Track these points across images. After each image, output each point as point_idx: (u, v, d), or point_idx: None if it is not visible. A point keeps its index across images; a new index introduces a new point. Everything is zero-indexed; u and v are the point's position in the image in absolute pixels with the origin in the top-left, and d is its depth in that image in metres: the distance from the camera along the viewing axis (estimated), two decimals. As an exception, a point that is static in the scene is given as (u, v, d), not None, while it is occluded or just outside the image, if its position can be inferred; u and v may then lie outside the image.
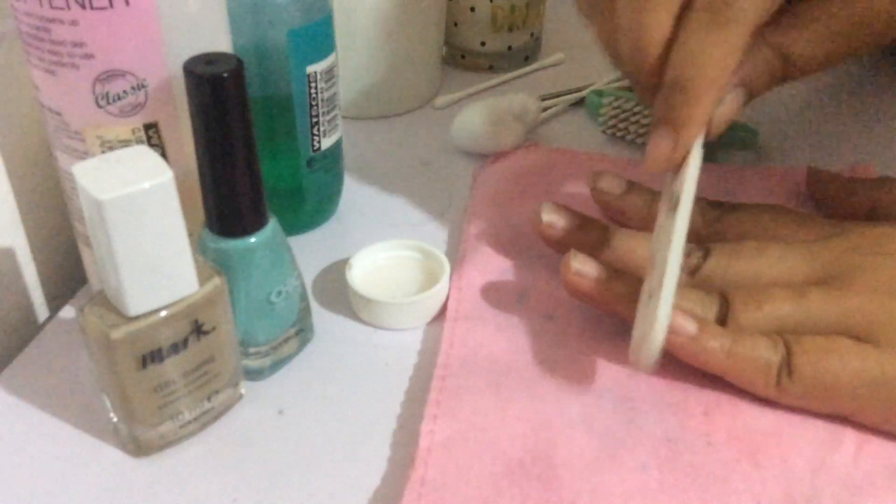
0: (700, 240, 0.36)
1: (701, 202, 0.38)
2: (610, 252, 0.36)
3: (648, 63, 0.33)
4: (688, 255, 0.34)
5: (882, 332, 0.30)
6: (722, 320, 0.32)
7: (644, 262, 0.34)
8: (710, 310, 0.32)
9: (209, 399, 0.32)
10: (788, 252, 0.34)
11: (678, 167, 0.33)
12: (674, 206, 0.32)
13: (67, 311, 0.39)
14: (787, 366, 0.30)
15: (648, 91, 0.34)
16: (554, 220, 0.37)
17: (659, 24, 0.32)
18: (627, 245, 0.36)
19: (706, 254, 0.34)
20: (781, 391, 0.31)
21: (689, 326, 0.31)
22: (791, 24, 0.35)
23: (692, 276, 0.34)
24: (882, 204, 0.38)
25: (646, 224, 0.37)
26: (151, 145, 0.32)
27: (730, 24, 0.30)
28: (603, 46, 0.36)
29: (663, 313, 0.29)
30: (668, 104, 0.32)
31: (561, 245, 0.37)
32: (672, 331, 0.30)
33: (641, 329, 0.30)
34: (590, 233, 0.37)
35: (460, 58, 0.62)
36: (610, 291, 0.33)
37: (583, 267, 0.34)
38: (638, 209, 0.39)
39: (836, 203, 0.41)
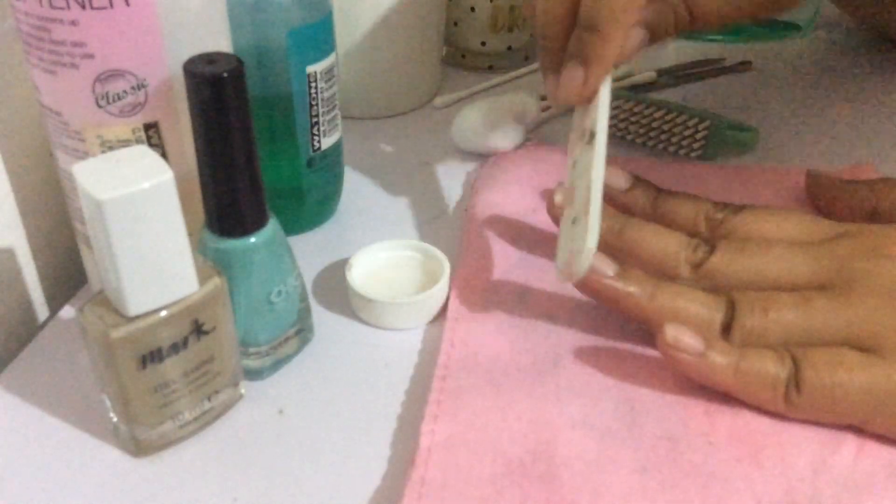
0: (707, 239, 0.36)
1: (706, 203, 0.38)
2: (618, 240, 0.36)
3: (558, 16, 0.36)
4: (694, 249, 0.35)
5: (887, 341, 0.30)
6: (727, 324, 0.32)
7: (653, 254, 0.35)
8: (716, 314, 0.32)
9: (209, 399, 0.32)
10: (792, 252, 0.34)
11: (588, 101, 0.36)
12: (589, 139, 0.35)
13: (67, 311, 0.39)
14: (795, 381, 0.30)
15: (556, 52, 0.37)
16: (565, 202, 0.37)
17: None
18: (637, 235, 0.36)
19: (712, 249, 0.34)
20: (790, 406, 0.31)
21: (697, 344, 0.31)
22: None
23: (696, 270, 0.34)
24: (883, 205, 0.38)
25: (648, 219, 0.38)
26: (151, 145, 0.32)
27: None
28: (526, 14, 0.41)
29: (592, 236, 0.31)
30: (580, 42, 0.35)
31: None
32: (679, 349, 0.31)
33: (567, 249, 0.33)
34: (602, 220, 0.37)
35: (460, 58, 0.62)
36: (618, 289, 0.33)
37: (591, 262, 0.34)
38: (641, 205, 0.39)
39: (836, 206, 0.41)
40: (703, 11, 0.40)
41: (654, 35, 0.40)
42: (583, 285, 0.34)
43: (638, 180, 0.40)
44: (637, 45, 0.39)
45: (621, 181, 0.40)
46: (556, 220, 0.38)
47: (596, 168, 0.33)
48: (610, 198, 0.40)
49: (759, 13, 0.42)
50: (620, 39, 0.35)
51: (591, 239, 0.31)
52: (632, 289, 0.33)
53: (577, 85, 0.36)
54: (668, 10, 0.40)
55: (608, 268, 0.34)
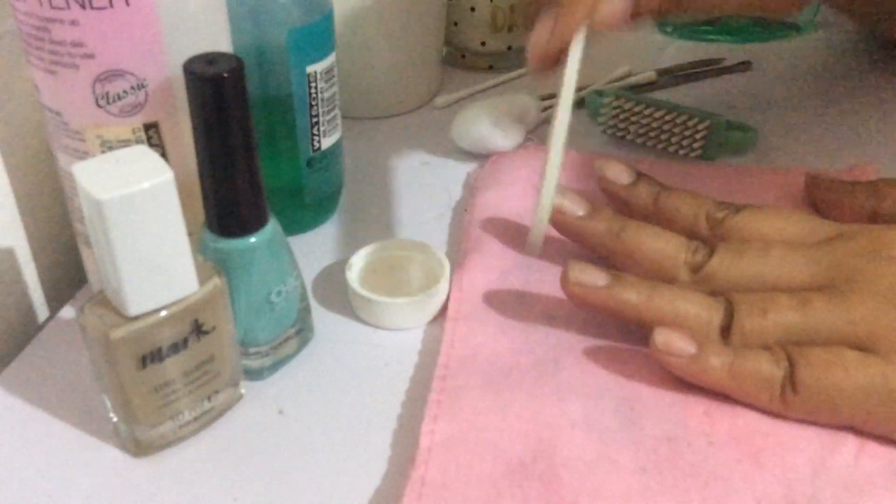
0: (706, 239, 0.36)
1: (707, 201, 0.38)
2: (616, 243, 0.36)
3: None
4: (693, 252, 0.35)
5: (885, 341, 0.30)
6: (726, 325, 0.32)
7: (652, 257, 0.35)
8: (715, 315, 0.32)
9: (209, 399, 0.32)
10: (792, 254, 0.34)
11: (557, 59, 0.36)
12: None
13: (67, 311, 0.39)
14: (791, 380, 0.30)
15: (533, 13, 0.37)
16: (565, 205, 0.37)
17: None
18: (636, 237, 0.36)
19: (711, 251, 0.34)
20: (786, 406, 0.31)
21: (689, 347, 0.31)
22: None
23: (695, 273, 0.34)
24: (883, 207, 0.38)
25: (650, 218, 0.38)
26: (151, 145, 0.32)
27: None
28: None
29: (546, 201, 0.31)
30: None
31: (570, 233, 0.37)
32: (672, 352, 0.31)
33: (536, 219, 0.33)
34: (600, 222, 0.37)
35: (460, 58, 0.62)
36: (613, 298, 0.33)
37: (581, 276, 0.34)
38: (643, 201, 0.39)
39: (836, 207, 0.41)
40: None
41: (637, 8, 0.39)
42: (577, 299, 0.34)
43: (641, 176, 0.40)
44: (618, 12, 0.38)
45: (624, 176, 0.40)
46: (558, 225, 0.38)
47: (557, 130, 0.33)
48: (612, 193, 0.40)
49: (745, 11, 0.42)
50: None
51: (543, 213, 0.31)
52: (627, 295, 0.33)
53: (545, 37, 0.36)
54: None
55: (599, 279, 0.33)
